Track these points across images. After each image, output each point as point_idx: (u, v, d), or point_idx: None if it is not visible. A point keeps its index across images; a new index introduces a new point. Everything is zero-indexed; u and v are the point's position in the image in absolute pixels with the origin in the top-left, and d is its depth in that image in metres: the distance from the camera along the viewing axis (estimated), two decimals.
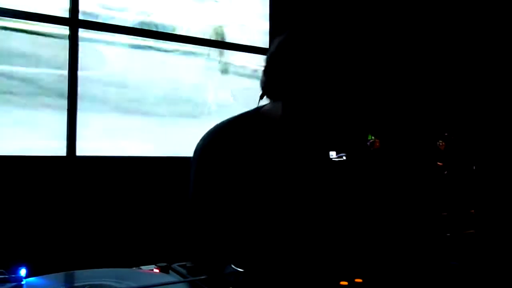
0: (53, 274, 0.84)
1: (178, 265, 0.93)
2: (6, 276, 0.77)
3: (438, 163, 4.23)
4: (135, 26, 3.12)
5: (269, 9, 3.73)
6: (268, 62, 1.14)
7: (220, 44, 3.49)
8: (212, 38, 3.44)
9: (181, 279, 0.82)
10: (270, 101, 1.18)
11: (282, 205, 1.15)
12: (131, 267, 0.94)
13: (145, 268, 0.93)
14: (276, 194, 1.16)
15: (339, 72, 1.10)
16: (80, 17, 2.90)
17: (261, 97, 1.18)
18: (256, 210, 1.13)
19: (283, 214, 1.14)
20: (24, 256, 2.49)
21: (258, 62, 3.64)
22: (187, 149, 3.09)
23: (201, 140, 1.23)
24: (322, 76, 1.08)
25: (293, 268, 0.89)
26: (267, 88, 1.14)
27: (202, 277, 0.81)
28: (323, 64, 1.08)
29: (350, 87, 1.10)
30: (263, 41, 3.70)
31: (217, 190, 1.15)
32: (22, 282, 0.78)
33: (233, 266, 0.81)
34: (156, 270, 0.90)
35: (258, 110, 1.24)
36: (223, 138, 1.19)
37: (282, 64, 1.10)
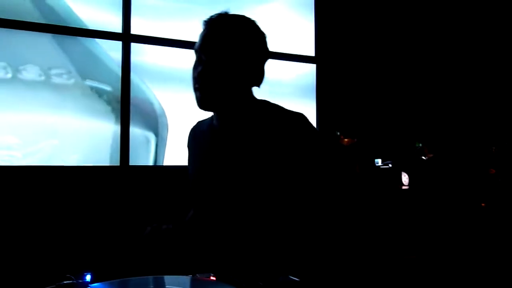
0: (116, 280, 0.87)
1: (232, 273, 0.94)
2: (74, 281, 0.82)
3: (491, 169, 4.05)
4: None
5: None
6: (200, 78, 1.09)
7: None
8: None
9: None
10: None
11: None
12: (186, 274, 0.96)
13: (201, 276, 0.95)
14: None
15: None
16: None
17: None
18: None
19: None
20: (89, 262, 2.60)
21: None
22: None
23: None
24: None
25: (347, 278, 0.89)
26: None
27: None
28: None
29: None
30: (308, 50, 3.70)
31: None
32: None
33: (289, 276, 0.82)
34: (213, 278, 0.92)
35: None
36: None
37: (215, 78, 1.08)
